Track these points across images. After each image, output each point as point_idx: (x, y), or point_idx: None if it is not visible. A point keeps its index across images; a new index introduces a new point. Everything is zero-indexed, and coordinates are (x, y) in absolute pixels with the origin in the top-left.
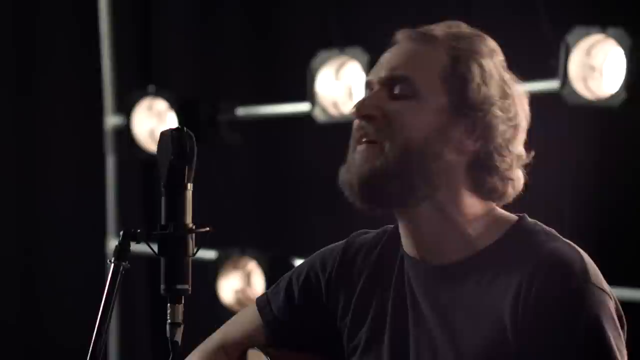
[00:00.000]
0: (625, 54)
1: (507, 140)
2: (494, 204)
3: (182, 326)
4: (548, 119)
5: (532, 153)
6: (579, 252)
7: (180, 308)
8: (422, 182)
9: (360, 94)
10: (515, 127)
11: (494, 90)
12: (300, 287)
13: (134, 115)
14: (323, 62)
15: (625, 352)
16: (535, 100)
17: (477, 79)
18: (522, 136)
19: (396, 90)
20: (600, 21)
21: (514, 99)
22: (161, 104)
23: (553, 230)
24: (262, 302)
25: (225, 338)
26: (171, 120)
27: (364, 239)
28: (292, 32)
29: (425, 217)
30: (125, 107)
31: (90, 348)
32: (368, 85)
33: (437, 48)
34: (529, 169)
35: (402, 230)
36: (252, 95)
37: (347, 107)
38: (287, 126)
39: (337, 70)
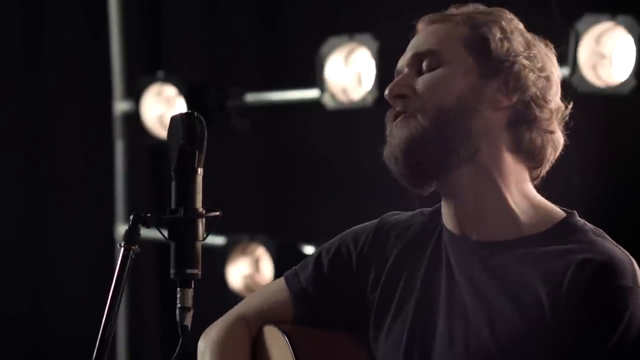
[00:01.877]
0: (635, 41)
1: (541, 89)
2: (536, 193)
3: (191, 310)
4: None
5: (571, 104)
6: (629, 256)
7: (190, 292)
8: (462, 141)
9: (371, 79)
10: (547, 78)
11: (517, 43)
12: (330, 260)
13: (143, 100)
14: (332, 49)
15: None
16: None
17: (499, 35)
18: (557, 88)
19: (424, 65)
20: (610, 9)
21: (539, 51)
22: (170, 90)
23: (602, 231)
24: (290, 275)
25: (248, 309)
26: (180, 106)
27: (397, 218)
28: (302, 18)
29: (467, 183)
30: (134, 93)
31: (100, 332)
32: (397, 72)
33: (457, 23)
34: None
35: (444, 205)
36: (260, 81)
37: (356, 93)
38: (296, 112)
39: (347, 57)
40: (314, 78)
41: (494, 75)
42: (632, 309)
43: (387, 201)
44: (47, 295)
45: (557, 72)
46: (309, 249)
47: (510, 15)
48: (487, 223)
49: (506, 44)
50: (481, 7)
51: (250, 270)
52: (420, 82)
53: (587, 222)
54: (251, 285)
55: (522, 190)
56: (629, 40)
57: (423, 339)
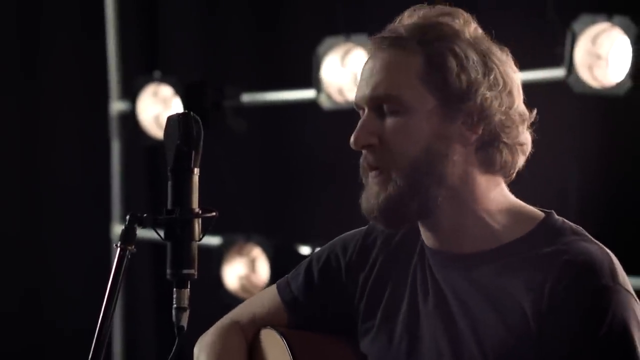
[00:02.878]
0: (631, 42)
1: (505, 111)
2: (512, 196)
3: (187, 311)
4: (554, 107)
5: (535, 110)
6: (607, 254)
7: (186, 292)
8: (439, 187)
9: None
10: (510, 94)
11: (475, 73)
12: (320, 268)
13: (139, 101)
14: (329, 49)
15: None
16: (541, 88)
17: (455, 68)
18: (519, 98)
19: (385, 109)
20: (607, 9)
21: (498, 67)
22: (166, 90)
23: (581, 229)
24: (282, 283)
25: (242, 316)
26: (176, 106)
27: None
28: (298, 18)
29: (444, 211)
30: (131, 93)
31: (97, 331)
32: (357, 105)
33: (408, 50)
34: (531, 151)
35: (421, 226)
36: (257, 81)
37: (352, 94)
38: (293, 113)
39: (343, 57)
40: (310, 78)
41: (457, 112)
42: (613, 308)
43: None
44: (44, 294)
45: (517, 77)
46: (305, 250)
47: (461, 19)
48: (465, 238)
49: (464, 78)
50: (428, 18)
51: (246, 270)
52: (386, 133)
53: (565, 220)
54: (247, 286)
55: (497, 201)
56: (625, 41)
57: (411, 352)
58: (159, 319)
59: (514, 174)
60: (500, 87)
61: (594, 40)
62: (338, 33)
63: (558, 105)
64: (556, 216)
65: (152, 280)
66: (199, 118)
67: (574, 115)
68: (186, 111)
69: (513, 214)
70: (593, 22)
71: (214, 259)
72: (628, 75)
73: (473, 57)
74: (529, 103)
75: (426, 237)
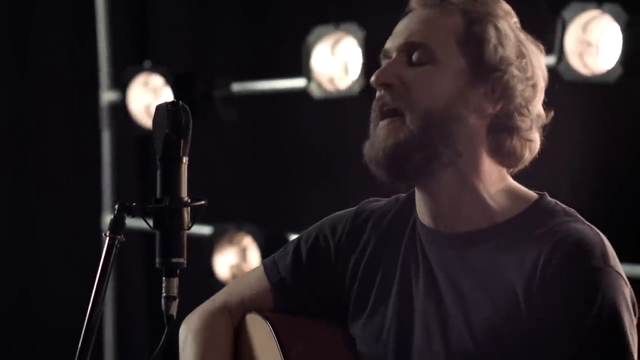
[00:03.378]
0: (622, 29)
1: (526, 99)
2: (509, 176)
3: (177, 299)
4: (544, 95)
5: (552, 113)
6: (599, 235)
7: (176, 281)
8: (446, 147)
9: (357, 68)
10: (534, 87)
11: (510, 51)
12: (308, 249)
13: (129, 91)
14: (319, 38)
15: (636, 337)
16: None
17: (493, 40)
18: (540, 96)
19: (414, 57)
20: None
21: (530, 58)
22: (157, 80)
23: (574, 211)
24: (269, 264)
25: (229, 298)
26: (167, 96)
27: (374, 205)
28: (288, 7)
29: (445, 185)
30: (121, 83)
31: (86, 320)
32: (385, 53)
33: (451, 13)
34: (545, 131)
35: (419, 199)
36: (247, 70)
37: (342, 82)
38: (283, 102)
39: (333, 46)
40: (300, 67)
41: (483, 81)
42: (603, 290)
43: (374, 190)
44: (35, 285)
45: (544, 78)
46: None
47: (506, 8)
48: (461, 216)
49: (500, 51)
50: None
51: (237, 259)
52: (410, 76)
53: (558, 202)
54: (238, 275)
55: (496, 181)
56: (615, 28)
57: (402, 334)
58: (151, 308)
59: (518, 168)
60: (529, 75)
61: (585, 27)
62: (328, 22)
63: (548, 92)
64: (549, 198)
65: (144, 270)
66: (187, 107)
67: (565, 103)
68: (175, 100)
69: (508, 194)
70: (583, 10)
71: (205, 248)
72: (618, 62)
73: (511, 37)
74: None
75: (421, 213)
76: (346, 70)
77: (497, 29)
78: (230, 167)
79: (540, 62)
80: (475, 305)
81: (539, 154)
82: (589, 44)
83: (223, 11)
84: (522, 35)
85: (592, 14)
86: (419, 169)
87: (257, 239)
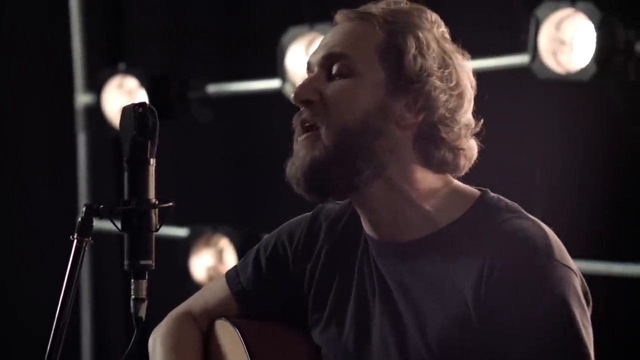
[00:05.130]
0: (595, 27)
1: (451, 110)
2: (451, 177)
3: (146, 301)
4: (518, 93)
5: (481, 121)
6: (542, 229)
7: (144, 283)
8: (366, 162)
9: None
10: (460, 96)
11: (432, 61)
12: (267, 258)
13: (104, 93)
14: (293, 39)
15: (590, 328)
16: (506, 74)
17: (413, 50)
18: (468, 105)
19: (334, 70)
20: None
21: (455, 67)
22: (132, 82)
23: (516, 205)
24: (231, 274)
25: (194, 307)
26: (142, 98)
27: (330, 210)
28: (262, 8)
29: (378, 197)
30: (96, 85)
31: (55, 323)
32: (308, 67)
33: (373, 24)
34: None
35: (359, 213)
36: (222, 72)
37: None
38: (258, 103)
39: (308, 47)
40: (275, 68)
41: (404, 92)
42: (550, 285)
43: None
44: (10, 287)
45: (472, 87)
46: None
47: (432, 18)
48: (403, 226)
49: (420, 61)
50: (402, 6)
51: (213, 261)
52: (329, 90)
53: (501, 197)
54: (215, 277)
55: (432, 185)
56: (589, 26)
57: (361, 344)
58: (128, 311)
59: (460, 174)
60: (452, 85)
61: (558, 25)
62: (302, 23)
63: (522, 91)
64: (491, 194)
65: (120, 272)
66: (154, 108)
67: (539, 101)
68: (141, 102)
69: (447, 195)
70: (557, 8)
71: (181, 250)
72: (592, 60)
73: (434, 48)
74: (494, 90)
75: (366, 226)
76: None
77: (417, 39)
78: (205, 168)
79: (467, 72)
80: (428, 315)
81: (513, 151)
82: (562, 42)
83: (197, 13)
84: (448, 46)
85: (565, 12)
86: (340, 186)
87: (233, 240)
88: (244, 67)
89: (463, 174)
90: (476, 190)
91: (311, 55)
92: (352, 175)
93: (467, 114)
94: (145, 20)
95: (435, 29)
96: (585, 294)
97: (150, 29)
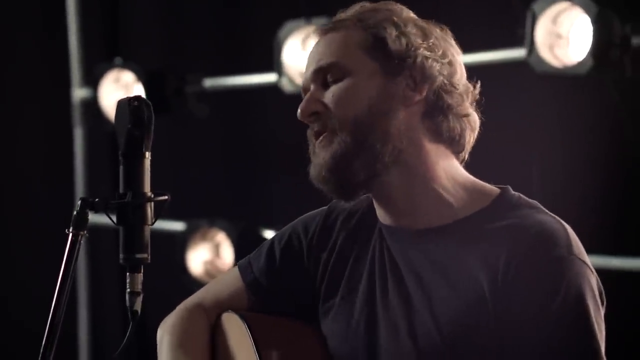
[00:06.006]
0: (592, 21)
1: (447, 76)
2: (469, 175)
3: (141, 295)
4: (515, 87)
5: (479, 84)
6: (563, 225)
7: (140, 277)
8: (384, 145)
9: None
10: (450, 63)
11: (414, 37)
12: (282, 249)
13: (101, 87)
14: (290, 33)
15: (603, 326)
16: (503, 68)
17: (394, 33)
18: (461, 71)
19: (328, 78)
20: None
21: (437, 38)
22: (128, 76)
23: (537, 203)
24: (244, 265)
25: (205, 298)
26: (138, 92)
27: (344, 205)
28: (259, 2)
29: (396, 184)
30: (93, 80)
31: (50, 317)
32: (303, 89)
33: (349, 27)
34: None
35: (375, 201)
36: (219, 66)
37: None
38: (254, 97)
39: (304, 41)
40: (271, 62)
41: (399, 72)
42: (567, 278)
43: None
44: (7, 283)
45: (458, 55)
46: (269, 234)
47: (398, 6)
48: (421, 213)
49: (404, 40)
50: (367, 5)
51: (210, 255)
52: (329, 96)
53: (521, 195)
54: (212, 271)
55: (451, 176)
56: (585, 20)
57: (371, 331)
58: (124, 306)
59: (466, 152)
60: (440, 53)
61: (555, 19)
62: (299, 17)
63: (519, 85)
64: (512, 191)
65: (116, 266)
66: (149, 102)
67: (536, 95)
68: (136, 95)
69: (469, 189)
70: (553, 2)
71: (178, 245)
72: (589, 54)
73: (412, 25)
74: (491, 83)
75: (381, 214)
76: None
77: (394, 23)
78: (202, 162)
79: (450, 42)
80: (441, 301)
81: (510, 144)
82: (559, 36)
83: (194, 7)
84: (424, 23)
85: (562, 5)
86: (365, 174)
87: (230, 234)
88: (240, 61)
89: (469, 148)
90: (496, 188)
91: (303, 78)
92: (374, 162)
93: (462, 79)
94: (141, 15)
95: (405, 12)
96: (600, 293)
97: (147, 24)
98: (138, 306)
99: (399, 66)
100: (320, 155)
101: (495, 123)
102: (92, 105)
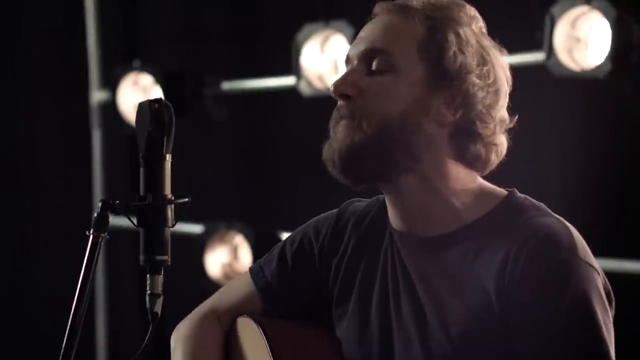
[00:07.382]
0: (610, 25)
1: (487, 106)
2: (479, 177)
3: (162, 297)
4: (534, 91)
5: (516, 117)
6: (568, 227)
7: (160, 279)
8: (403, 155)
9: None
10: (496, 93)
11: (471, 58)
12: (293, 253)
13: (119, 90)
14: (308, 36)
15: (612, 327)
16: (521, 71)
17: (454, 47)
18: (504, 101)
19: (374, 65)
20: None
21: (493, 64)
22: (147, 79)
23: (543, 205)
24: (256, 269)
25: (218, 304)
26: (157, 95)
27: (356, 207)
28: (277, 5)
29: (410, 188)
30: (111, 82)
31: (70, 320)
32: (348, 60)
33: (414, 19)
34: (512, 134)
35: (388, 203)
36: (237, 69)
37: (332, 80)
38: (273, 100)
39: (322, 44)
40: (290, 65)
41: (442, 88)
42: (573, 281)
43: (362, 189)
44: (26, 285)
45: (508, 83)
46: (286, 236)
47: (471, 13)
48: (431, 219)
49: (460, 59)
50: (444, 2)
51: (228, 258)
52: (368, 86)
53: (527, 197)
54: (230, 274)
55: (464, 185)
56: (604, 23)
57: (384, 338)
58: (143, 308)
59: (486, 171)
60: (490, 82)
61: (573, 23)
62: (317, 19)
63: (538, 88)
64: (518, 194)
65: (135, 269)
66: (170, 104)
67: (554, 99)
68: (157, 97)
69: (475, 193)
70: (572, 6)
71: (196, 247)
72: (607, 58)
73: (473, 44)
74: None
75: (393, 218)
76: (336, 68)
77: (458, 35)
78: (220, 165)
79: (504, 68)
80: (451, 309)
81: (528, 149)
82: (578, 40)
83: (212, 10)
84: (486, 42)
85: (580, 9)
86: (374, 175)
87: (248, 237)
88: (258, 64)
89: (490, 170)
90: (504, 190)
91: (351, 47)
92: (387, 166)
93: (502, 110)
94: (160, 17)
95: (474, 24)
96: (608, 294)
97: (166, 26)
98: (158, 308)
99: (445, 83)
100: (338, 139)
101: (513, 126)
102: (110, 108)
